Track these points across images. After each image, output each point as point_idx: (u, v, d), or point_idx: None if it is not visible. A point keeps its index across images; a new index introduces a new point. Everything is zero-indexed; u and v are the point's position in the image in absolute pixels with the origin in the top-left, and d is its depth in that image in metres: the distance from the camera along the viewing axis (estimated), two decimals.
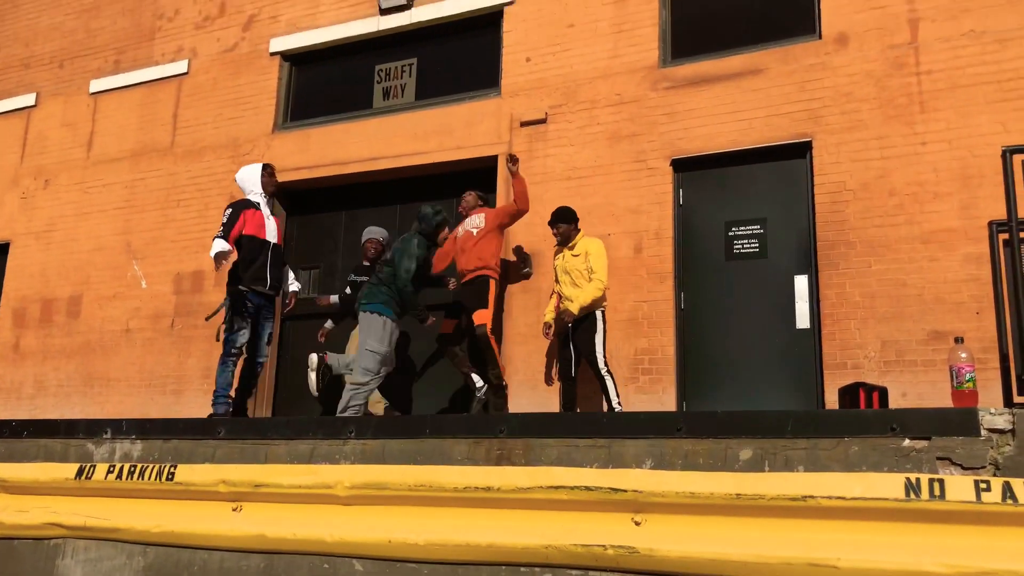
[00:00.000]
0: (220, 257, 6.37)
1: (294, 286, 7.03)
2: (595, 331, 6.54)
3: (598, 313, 6.58)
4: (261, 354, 6.74)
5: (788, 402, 6.64)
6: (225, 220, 6.55)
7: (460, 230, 7.23)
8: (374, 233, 7.69)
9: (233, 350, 6.49)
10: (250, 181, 6.82)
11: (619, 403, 6.40)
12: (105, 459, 5.33)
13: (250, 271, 6.55)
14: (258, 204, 6.75)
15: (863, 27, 6.91)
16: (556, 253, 6.91)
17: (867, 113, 6.77)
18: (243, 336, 6.51)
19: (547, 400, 7.31)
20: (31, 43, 11.03)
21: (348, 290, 7.64)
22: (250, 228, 6.62)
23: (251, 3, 9.67)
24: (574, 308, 6.48)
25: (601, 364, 6.47)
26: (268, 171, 6.89)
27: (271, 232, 6.75)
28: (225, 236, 6.46)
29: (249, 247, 6.61)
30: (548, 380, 7.36)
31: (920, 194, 6.49)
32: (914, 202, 6.50)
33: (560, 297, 6.78)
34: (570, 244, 6.76)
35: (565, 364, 6.72)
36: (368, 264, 7.59)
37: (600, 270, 6.56)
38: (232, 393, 6.56)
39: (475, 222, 7.12)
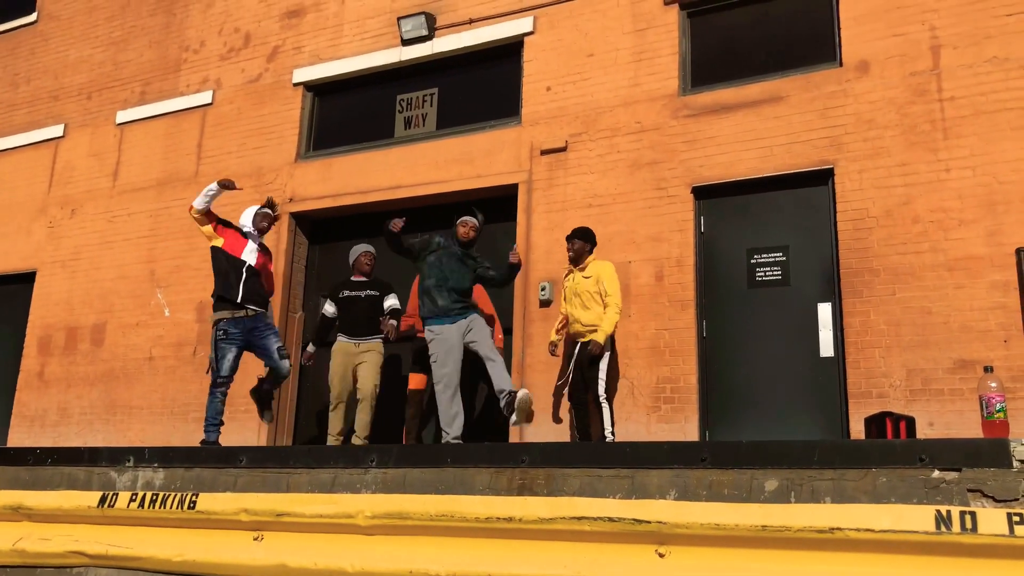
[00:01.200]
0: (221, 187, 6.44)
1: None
2: (599, 357, 6.50)
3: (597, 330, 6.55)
4: (282, 369, 6.59)
5: (812, 432, 6.56)
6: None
7: None
8: (368, 247, 7.53)
9: (219, 379, 6.44)
10: (245, 219, 6.82)
11: (612, 433, 6.42)
12: (128, 487, 5.35)
13: (224, 293, 6.49)
14: (247, 233, 6.74)
15: (885, 54, 6.90)
16: (566, 274, 6.91)
17: (889, 140, 6.74)
18: (226, 364, 6.42)
19: (568, 429, 7.27)
20: (60, 75, 11.25)
21: (332, 309, 7.35)
22: (227, 245, 6.61)
23: (275, 35, 9.82)
24: (599, 338, 6.45)
25: (601, 392, 6.47)
26: (261, 214, 6.79)
27: (249, 253, 6.64)
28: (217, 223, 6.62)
29: (225, 263, 6.55)
30: (561, 412, 7.34)
31: (945, 221, 6.44)
32: (939, 229, 6.44)
33: (569, 318, 6.78)
34: (581, 265, 6.77)
35: (575, 387, 6.68)
36: (364, 280, 7.41)
37: (614, 293, 6.56)
38: (223, 420, 6.54)
39: None
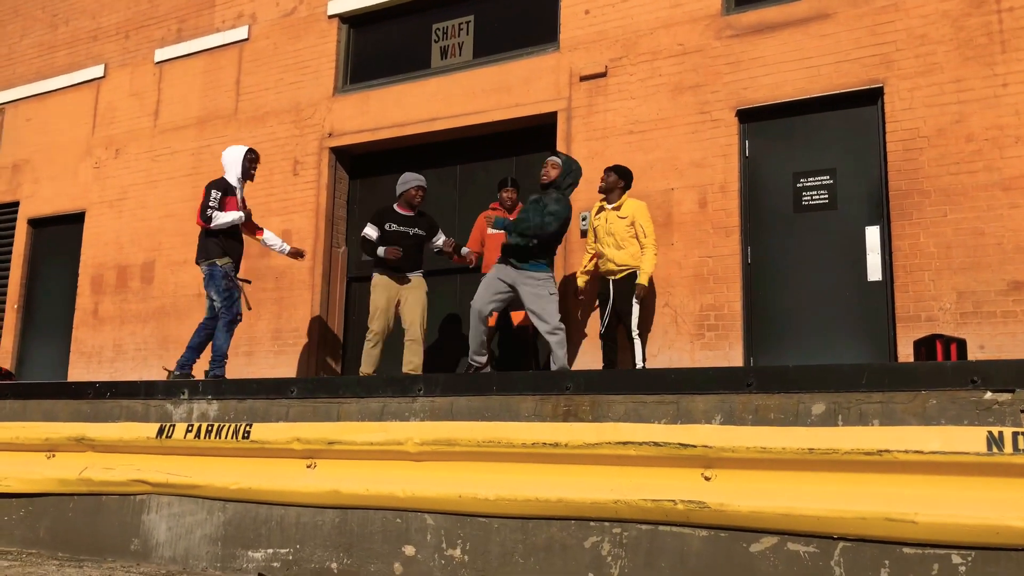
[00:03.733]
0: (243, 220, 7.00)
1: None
2: (634, 292, 6.54)
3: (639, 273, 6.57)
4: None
5: (859, 356, 6.51)
6: (214, 202, 6.88)
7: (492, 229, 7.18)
8: (421, 180, 7.20)
9: (238, 318, 6.92)
10: (232, 162, 7.06)
11: (644, 368, 6.47)
12: (184, 419, 5.51)
13: (232, 249, 6.94)
14: (236, 189, 7.03)
15: None
16: (596, 211, 6.86)
17: (943, 55, 6.48)
18: (238, 305, 6.93)
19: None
20: (97, 15, 11.26)
21: (375, 234, 7.04)
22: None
23: None
24: (643, 281, 6.51)
25: (634, 326, 6.52)
26: (250, 156, 7.11)
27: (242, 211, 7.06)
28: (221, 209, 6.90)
29: (229, 230, 6.94)
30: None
31: (1000, 139, 6.22)
32: (994, 147, 6.23)
33: (598, 257, 6.79)
34: (615, 204, 6.73)
35: (608, 325, 6.72)
36: (411, 215, 7.14)
37: (651, 233, 6.60)
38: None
39: None
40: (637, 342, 6.50)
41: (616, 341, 6.69)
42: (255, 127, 9.60)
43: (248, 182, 7.22)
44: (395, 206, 7.22)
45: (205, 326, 6.95)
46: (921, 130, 6.48)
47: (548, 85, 8.06)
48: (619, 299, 6.60)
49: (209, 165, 9.80)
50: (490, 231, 7.27)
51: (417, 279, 7.15)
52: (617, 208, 6.70)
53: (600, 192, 6.85)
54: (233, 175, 7.02)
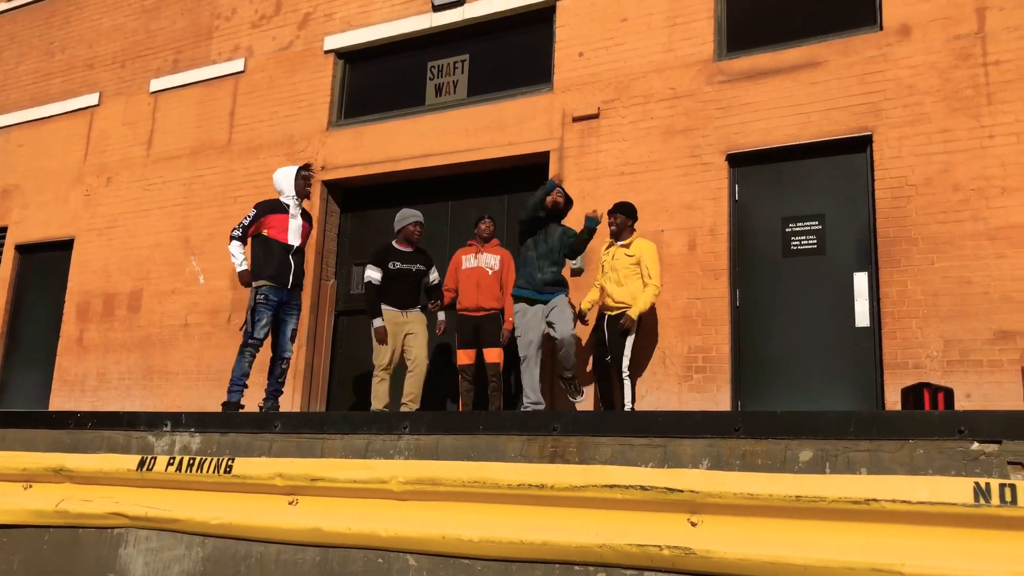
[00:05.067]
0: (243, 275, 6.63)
1: None
2: (629, 332, 6.52)
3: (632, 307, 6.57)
4: (286, 350, 6.72)
5: (846, 403, 6.50)
6: (247, 220, 6.67)
7: (471, 261, 7.24)
8: (419, 215, 7.27)
9: (252, 340, 6.54)
10: (284, 183, 6.80)
11: (633, 409, 6.43)
12: (165, 451, 5.44)
13: (270, 268, 6.59)
14: (287, 207, 6.75)
15: (927, 17, 6.72)
16: (606, 247, 6.89)
17: (930, 106, 6.58)
18: (261, 327, 6.54)
19: (593, 403, 7.27)
20: (94, 44, 11.32)
21: (379, 276, 7.03)
22: (274, 232, 6.66)
23: (306, 1, 9.78)
24: (632, 314, 6.49)
25: (624, 366, 6.49)
26: (302, 173, 6.82)
27: (293, 235, 6.71)
28: (243, 236, 6.64)
29: (268, 248, 6.64)
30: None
31: (986, 189, 6.29)
32: (980, 197, 6.30)
33: (603, 291, 6.78)
34: (624, 241, 6.73)
35: (600, 362, 6.72)
36: (410, 251, 7.22)
37: (656, 275, 6.58)
38: (248, 383, 6.65)
39: (490, 262, 7.22)
40: (627, 382, 6.47)
41: (611, 379, 6.67)
42: (248, 159, 9.62)
43: (305, 200, 6.93)
44: (394, 243, 7.25)
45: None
46: (909, 178, 6.55)
47: (541, 125, 8.13)
48: (612, 336, 6.59)
49: (201, 195, 9.81)
50: (465, 266, 7.29)
51: (417, 315, 7.17)
52: (626, 246, 6.72)
53: (611, 236, 6.87)
54: (288, 195, 6.78)
